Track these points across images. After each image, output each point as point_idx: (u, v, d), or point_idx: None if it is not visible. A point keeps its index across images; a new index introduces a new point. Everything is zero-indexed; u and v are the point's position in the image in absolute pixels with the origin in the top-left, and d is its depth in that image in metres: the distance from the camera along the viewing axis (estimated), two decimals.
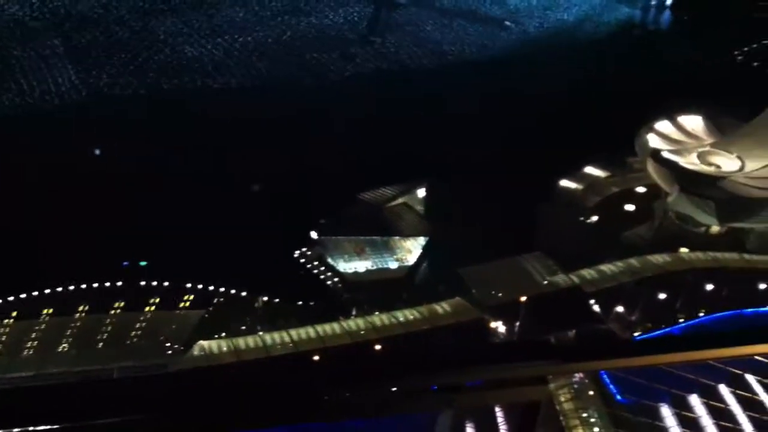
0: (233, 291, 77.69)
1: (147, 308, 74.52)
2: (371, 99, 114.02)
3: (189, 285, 76.76)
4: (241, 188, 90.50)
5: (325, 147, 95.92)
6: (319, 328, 71.01)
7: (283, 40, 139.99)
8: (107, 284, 74.79)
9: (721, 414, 34.03)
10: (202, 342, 68.89)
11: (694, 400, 39.28)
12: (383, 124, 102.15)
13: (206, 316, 75.13)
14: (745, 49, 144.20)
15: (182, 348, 69.89)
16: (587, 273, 79.03)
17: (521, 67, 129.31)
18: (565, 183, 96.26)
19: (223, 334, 71.93)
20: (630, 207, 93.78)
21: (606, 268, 79.82)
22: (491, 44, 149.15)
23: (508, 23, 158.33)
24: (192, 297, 76.39)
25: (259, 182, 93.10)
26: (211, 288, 77.13)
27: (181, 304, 75.99)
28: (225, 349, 67.52)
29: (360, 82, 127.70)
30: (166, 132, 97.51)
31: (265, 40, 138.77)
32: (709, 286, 79.58)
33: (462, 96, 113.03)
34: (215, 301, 76.86)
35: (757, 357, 5.56)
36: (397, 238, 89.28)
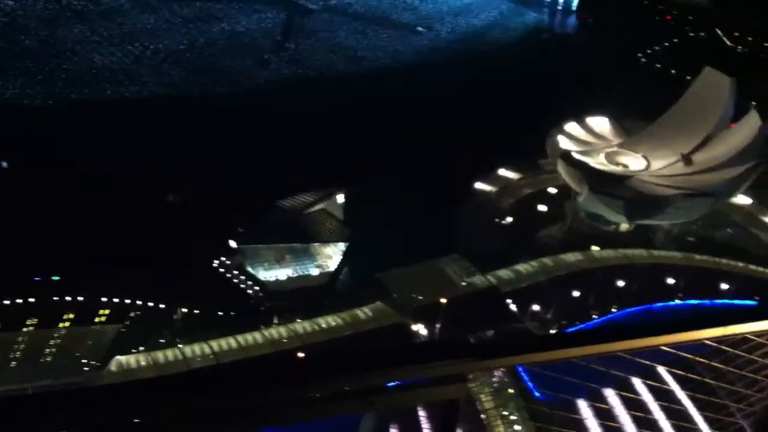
0: (150, 304, 75.96)
1: (61, 324, 72.16)
2: (286, 105, 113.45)
3: (104, 299, 74.76)
4: (156, 198, 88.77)
5: (241, 154, 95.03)
6: (241, 338, 70.25)
7: (195, 47, 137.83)
8: (18, 301, 72.14)
9: (634, 404, 35.42)
10: (119, 357, 67.19)
11: (609, 392, 40.66)
12: (299, 131, 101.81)
13: (123, 330, 73.24)
14: (648, 51, 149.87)
15: (99, 364, 67.95)
16: (503, 273, 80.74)
17: (434, 72, 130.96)
18: (479, 186, 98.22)
19: (141, 349, 70.31)
20: (542, 207, 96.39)
21: (521, 267, 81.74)
22: (404, 49, 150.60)
23: (420, 29, 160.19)
24: (108, 311, 74.39)
25: (173, 191, 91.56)
26: (128, 301, 75.29)
27: (97, 319, 73.87)
28: (144, 363, 66.05)
29: (274, 88, 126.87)
30: (75, 142, 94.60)
31: (177, 47, 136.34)
32: (620, 283, 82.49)
33: (376, 101, 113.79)
34: (132, 314, 75.03)
35: (665, 348, 6.04)
36: (317, 244, 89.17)
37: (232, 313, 77.55)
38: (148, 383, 4.39)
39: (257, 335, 71.01)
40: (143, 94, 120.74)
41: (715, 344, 6.46)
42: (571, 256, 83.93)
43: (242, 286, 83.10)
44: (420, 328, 74.28)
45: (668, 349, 6.11)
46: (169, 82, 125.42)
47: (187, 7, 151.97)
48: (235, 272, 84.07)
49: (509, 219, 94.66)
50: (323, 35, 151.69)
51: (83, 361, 69.25)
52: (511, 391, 62.36)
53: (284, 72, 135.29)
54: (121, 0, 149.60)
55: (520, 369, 55.66)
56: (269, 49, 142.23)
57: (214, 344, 69.34)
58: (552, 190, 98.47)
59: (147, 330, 74.04)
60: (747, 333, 6.31)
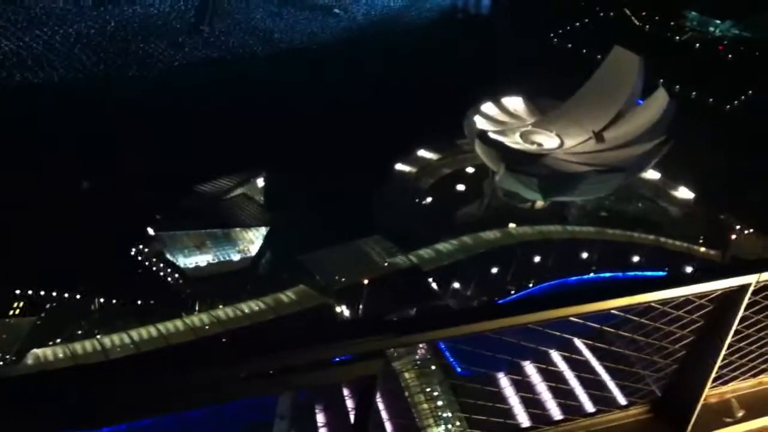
0: (67, 295, 73.85)
1: None
2: (201, 88, 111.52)
3: (18, 291, 72.30)
4: (70, 185, 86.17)
5: (157, 140, 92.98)
6: (161, 326, 69.03)
7: (107, 31, 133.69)
8: None
9: (552, 376, 36.56)
10: (35, 350, 65.12)
11: (528, 365, 41.69)
12: (215, 114, 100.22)
13: (39, 323, 71.00)
14: (560, 31, 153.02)
15: (14, 358, 65.75)
16: (424, 252, 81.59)
17: (351, 54, 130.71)
18: (399, 167, 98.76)
19: (59, 341, 68.33)
20: (461, 187, 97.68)
21: (441, 246, 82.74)
22: (321, 31, 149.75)
23: (336, 11, 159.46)
24: (22, 304, 72.00)
25: (88, 179, 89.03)
26: (43, 293, 73.00)
27: (11, 312, 71.42)
28: (61, 355, 64.21)
29: (189, 71, 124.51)
30: None
31: (88, 32, 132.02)
32: (537, 258, 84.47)
33: (294, 84, 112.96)
34: (48, 306, 72.80)
35: (576, 320, 6.25)
36: (237, 229, 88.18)
37: (151, 301, 76.08)
38: (64, 372, 4.33)
39: (178, 323, 69.89)
40: (54, 80, 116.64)
41: (623, 314, 6.72)
42: (490, 234, 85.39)
43: (161, 273, 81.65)
44: (343, 309, 74.53)
45: (581, 321, 6.31)
46: (80, 68, 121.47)
47: None
48: (154, 260, 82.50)
49: (429, 199, 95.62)
50: (238, 17, 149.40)
51: None
52: (433, 367, 63.33)
53: (199, 55, 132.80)
54: None
55: (442, 346, 56.64)
56: (184, 32, 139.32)
57: (134, 333, 67.95)
58: (470, 170, 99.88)
59: (64, 322, 71.95)
60: (652, 301, 6.57)
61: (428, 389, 61.64)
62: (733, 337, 7.32)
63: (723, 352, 7.37)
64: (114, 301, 75.03)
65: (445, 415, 60.24)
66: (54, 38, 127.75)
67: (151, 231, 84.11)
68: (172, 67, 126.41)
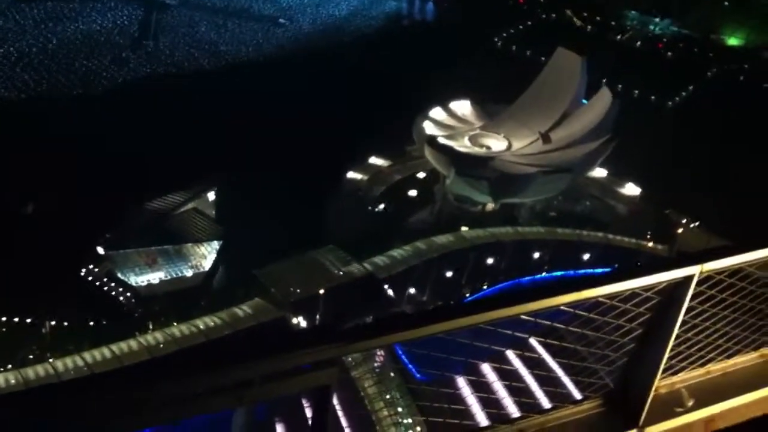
0: (16, 319, 72.04)
1: None
2: (148, 103, 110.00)
3: None
4: (14, 206, 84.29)
5: (103, 157, 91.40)
6: (115, 347, 67.72)
7: (48, 49, 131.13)
8: None
9: (509, 375, 36.92)
10: None
11: (486, 367, 42.05)
12: (162, 130, 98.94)
13: None
14: (504, 35, 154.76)
15: None
16: (379, 260, 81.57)
17: (297, 64, 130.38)
18: (350, 175, 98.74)
19: (9, 366, 66.59)
20: (412, 192, 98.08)
21: (395, 253, 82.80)
22: (266, 42, 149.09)
23: (282, 20, 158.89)
24: None
25: (33, 199, 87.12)
26: None
27: None
28: (13, 381, 62.53)
29: (134, 87, 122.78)
30: None
31: (30, 50, 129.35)
32: (490, 260, 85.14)
33: (241, 95, 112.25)
34: None
35: (527, 318, 6.32)
36: (189, 244, 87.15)
37: (104, 322, 74.64)
38: (14, 397, 4.26)
39: (132, 343, 68.57)
40: None
41: (572, 310, 6.81)
42: (443, 238, 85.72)
43: (113, 293, 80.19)
44: (300, 321, 74.11)
45: (532, 319, 6.38)
46: (22, 87, 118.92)
47: (37, 8, 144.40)
48: (105, 279, 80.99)
49: (381, 206, 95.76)
50: (183, 30, 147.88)
51: None
52: (392, 374, 63.34)
53: (144, 70, 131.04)
54: None
55: (400, 352, 56.65)
56: (127, 47, 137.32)
57: (87, 356, 66.48)
58: (421, 175, 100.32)
59: (14, 346, 70.17)
60: (600, 296, 6.68)
61: (387, 396, 61.63)
62: (680, 327, 7.48)
63: (671, 343, 7.52)
64: (65, 323, 73.42)
65: (405, 421, 60.28)
66: None
67: (100, 250, 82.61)
68: (117, 83, 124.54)
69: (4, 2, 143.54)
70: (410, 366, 60.02)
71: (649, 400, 7.84)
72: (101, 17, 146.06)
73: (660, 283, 6.93)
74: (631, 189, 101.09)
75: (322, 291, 74.65)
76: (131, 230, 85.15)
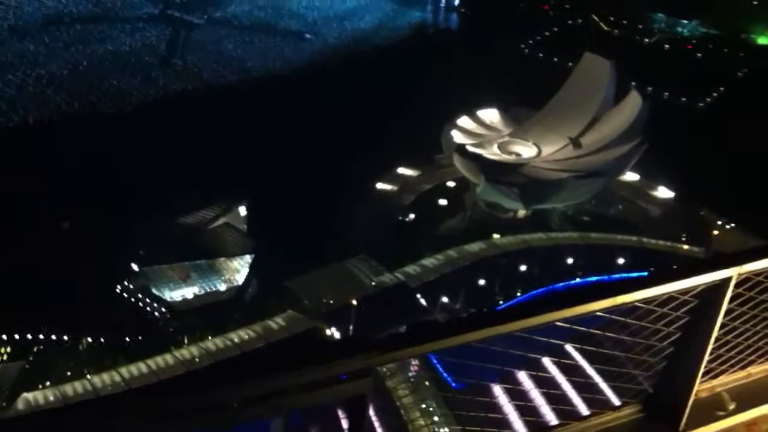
0: (54, 336, 73.08)
1: None
2: (178, 121, 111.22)
3: (4, 337, 71.44)
4: (50, 225, 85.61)
5: (135, 175, 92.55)
6: (151, 362, 68.50)
7: (79, 71, 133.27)
8: None
9: (545, 383, 36.61)
10: (26, 395, 64.34)
11: (522, 374, 41.72)
12: (192, 146, 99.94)
13: (27, 366, 70.20)
14: (530, 41, 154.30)
15: (5, 404, 64.88)
16: (411, 269, 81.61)
17: (325, 77, 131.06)
18: (380, 186, 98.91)
19: (48, 384, 67.57)
20: (442, 201, 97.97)
21: (427, 261, 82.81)
22: (293, 57, 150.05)
23: (307, 35, 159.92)
24: (8, 349, 71.17)
25: (68, 218, 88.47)
26: (29, 336, 72.19)
27: None
28: (52, 398, 63.52)
29: (165, 105, 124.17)
30: None
31: (61, 72, 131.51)
32: (522, 267, 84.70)
33: (270, 110, 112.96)
34: (35, 349, 71.99)
35: (562, 324, 6.29)
36: (222, 259, 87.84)
37: (139, 337, 75.42)
38: (55, 413, 4.32)
39: (168, 357, 69.38)
40: (28, 123, 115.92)
41: (609, 315, 6.77)
42: (474, 246, 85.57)
43: (148, 309, 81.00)
44: (333, 331, 74.26)
45: (567, 326, 6.35)
46: (54, 109, 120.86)
47: (67, 31, 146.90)
48: (140, 295, 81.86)
49: (412, 215, 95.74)
50: (210, 48, 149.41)
51: None
52: (427, 383, 63.18)
53: (173, 88, 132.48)
54: None
55: (435, 361, 56.48)
56: (156, 66, 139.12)
57: (124, 371, 67.38)
58: (450, 184, 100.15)
59: (52, 364, 71.18)
60: (636, 301, 6.63)
61: (423, 405, 61.47)
62: (719, 330, 7.40)
63: (710, 347, 7.44)
64: (102, 339, 74.34)
65: (442, 430, 60.04)
66: (26, 81, 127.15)
67: (134, 266, 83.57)
68: (147, 102, 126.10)
69: (35, 25, 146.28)
70: (445, 374, 59.80)
71: (690, 405, 7.75)
72: (129, 38, 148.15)
73: (697, 286, 6.86)
74: (664, 192, 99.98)
75: (354, 301, 74.76)
76: (164, 246, 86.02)
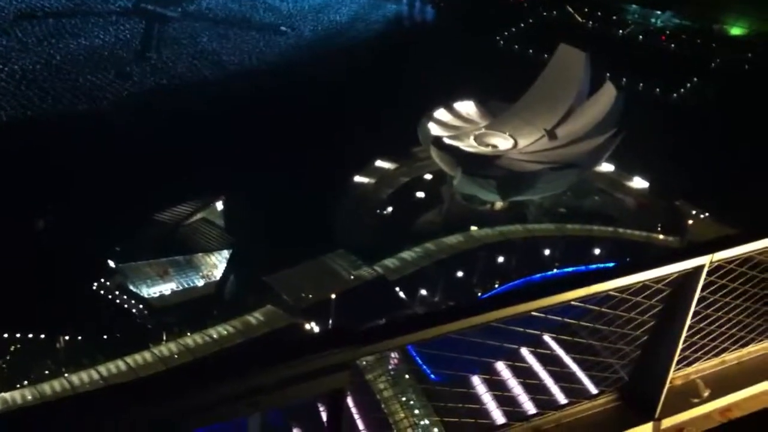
0: (30, 335, 72.28)
1: None
2: (153, 116, 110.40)
3: None
4: (25, 223, 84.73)
5: (111, 171, 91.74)
6: (129, 359, 68.01)
7: (52, 65, 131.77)
8: None
9: (523, 372, 36.76)
10: (3, 394, 63.65)
11: (500, 365, 41.90)
12: (168, 141, 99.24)
13: (4, 365, 69.49)
14: (506, 33, 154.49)
15: None
16: (389, 262, 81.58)
17: (301, 70, 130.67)
18: (357, 179, 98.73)
19: (26, 382, 66.90)
20: (420, 194, 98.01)
21: (406, 255, 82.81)
22: (269, 50, 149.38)
23: (283, 28, 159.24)
24: None
25: (43, 215, 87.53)
26: (5, 335, 71.36)
27: None
28: (30, 397, 62.89)
29: (139, 99, 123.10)
30: None
31: (34, 67, 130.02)
32: (500, 259, 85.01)
33: (247, 103, 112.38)
34: (11, 348, 71.22)
35: (538, 314, 6.32)
36: (199, 254, 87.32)
37: (117, 335, 74.82)
38: (33, 412, 4.29)
39: (146, 354, 68.91)
40: (1, 119, 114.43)
41: (584, 305, 6.81)
42: (452, 239, 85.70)
43: (126, 306, 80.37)
44: (312, 326, 74.13)
45: (544, 316, 6.39)
46: (27, 104, 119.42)
47: (39, 25, 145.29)
48: (117, 292, 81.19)
49: (389, 208, 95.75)
50: (185, 42, 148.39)
51: None
52: (406, 376, 63.30)
53: (148, 82, 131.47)
54: None
55: (414, 353, 56.61)
56: (130, 60, 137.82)
57: (102, 369, 66.84)
58: (427, 176, 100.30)
59: (30, 362, 70.48)
60: (610, 290, 6.68)
61: (403, 398, 61.57)
62: (693, 318, 7.47)
63: (684, 334, 7.51)
64: (79, 337, 73.67)
65: (422, 422, 60.18)
66: None
67: (111, 263, 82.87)
68: (122, 96, 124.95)
69: (7, 20, 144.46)
70: (425, 367, 59.97)
71: (665, 392, 7.83)
72: (103, 32, 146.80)
73: (670, 274, 6.92)
74: (639, 182, 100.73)
75: (333, 296, 74.67)
76: (141, 242, 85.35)
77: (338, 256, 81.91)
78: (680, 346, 7.60)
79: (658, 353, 7.72)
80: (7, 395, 63.59)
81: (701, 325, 7.88)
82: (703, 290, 7.30)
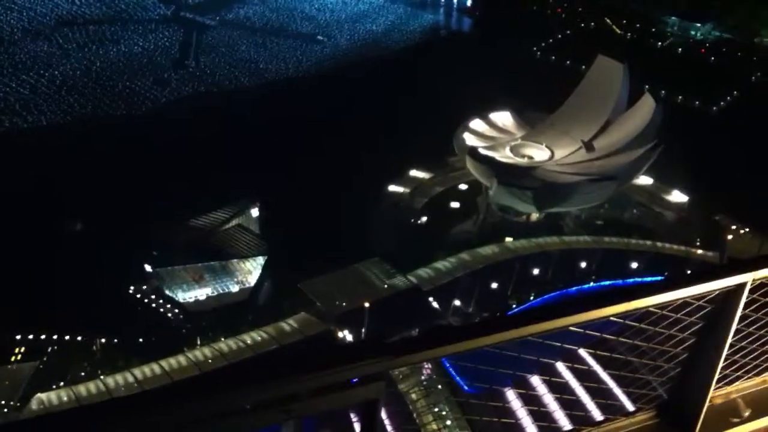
0: (67, 337, 73.39)
1: None
2: (190, 123, 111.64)
3: (18, 337, 71.85)
4: (63, 227, 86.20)
5: (148, 177, 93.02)
6: (164, 363, 68.69)
7: (92, 72, 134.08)
8: None
9: (559, 387, 36.32)
10: (39, 395, 64.70)
11: (535, 379, 41.45)
12: (205, 148, 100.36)
13: (41, 367, 70.57)
14: (543, 44, 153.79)
15: (18, 404, 65.27)
16: (423, 272, 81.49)
17: (337, 79, 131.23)
18: (393, 189, 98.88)
19: (62, 384, 67.91)
20: (455, 204, 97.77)
21: (440, 264, 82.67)
22: (305, 59, 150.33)
23: (320, 37, 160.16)
24: (23, 349, 71.54)
25: (82, 220, 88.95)
26: (43, 337, 72.55)
27: (12, 358, 70.97)
28: (65, 398, 63.79)
29: (177, 106, 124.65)
30: None
31: (74, 73, 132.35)
32: (535, 271, 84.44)
33: (281, 112, 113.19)
34: (49, 350, 72.36)
35: (576, 329, 6.24)
36: (235, 260, 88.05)
37: (153, 338, 75.66)
38: (68, 414, 4.32)
39: (181, 359, 69.55)
40: (42, 123, 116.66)
41: (623, 320, 6.71)
42: (487, 249, 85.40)
43: (161, 310, 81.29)
44: (345, 334, 74.27)
45: (581, 330, 6.30)
46: (68, 109, 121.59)
47: (80, 32, 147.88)
48: (153, 296, 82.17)
49: (424, 218, 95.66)
50: (222, 50, 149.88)
51: (1, 402, 66.31)
52: (439, 387, 63.07)
53: (185, 90, 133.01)
54: (10, 29, 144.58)
55: (448, 365, 56.43)
56: (169, 68, 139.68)
57: (137, 372, 67.61)
58: (463, 187, 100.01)
59: (66, 364, 71.54)
60: (651, 306, 6.57)
61: (436, 409, 61.32)
62: (734, 336, 7.32)
63: (725, 353, 7.36)
64: (115, 340, 74.62)
65: None
66: (40, 82, 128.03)
67: (148, 267, 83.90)
68: (160, 103, 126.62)
69: (48, 27, 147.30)
70: (458, 378, 59.73)
71: (704, 411, 7.68)
72: (143, 39, 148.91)
73: (712, 291, 6.80)
74: (678, 196, 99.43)
75: (367, 304, 74.73)
76: (178, 247, 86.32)
77: (373, 264, 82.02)
78: (721, 364, 7.46)
79: (697, 371, 7.59)
80: (43, 396, 64.61)
81: (743, 344, 7.73)
82: (745, 308, 7.16)
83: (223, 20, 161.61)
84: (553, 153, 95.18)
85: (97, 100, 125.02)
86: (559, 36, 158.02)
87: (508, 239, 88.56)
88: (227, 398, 4.55)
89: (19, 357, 71.65)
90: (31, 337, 72.54)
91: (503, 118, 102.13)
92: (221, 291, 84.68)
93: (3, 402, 66.35)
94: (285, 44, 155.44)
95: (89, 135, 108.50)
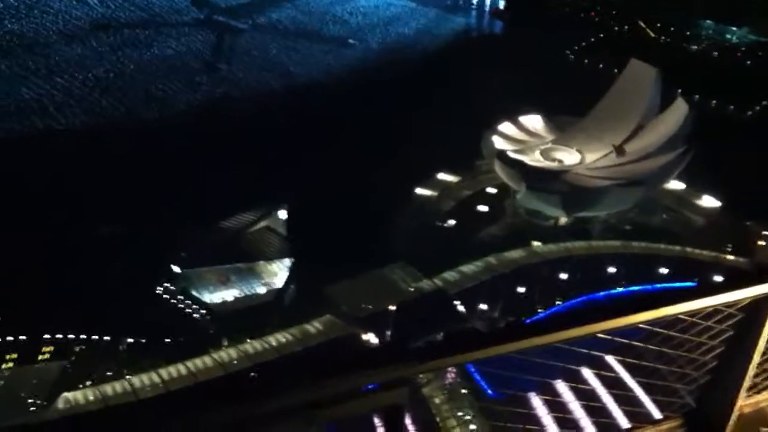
0: (95, 337, 74.19)
1: (4, 365, 70.09)
2: (221, 125, 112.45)
3: (46, 336, 72.75)
4: (92, 228, 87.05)
5: (178, 178, 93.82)
6: (190, 363, 69.09)
7: (125, 74, 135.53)
8: None
9: (583, 394, 36.11)
10: (66, 394, 65.39)
11: (560, 385, 41.25)
12: (234, 150, 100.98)
13: (68, 366, 71.38)
14: (575, 47, 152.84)
15: (45, 403, 66.04)
16: (449, 275, 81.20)
17: (368, 83, 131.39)
18: (419, 191, 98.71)
19: (89, 383, 68.61)
20: (483, 207, 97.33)
21: (466, 268, 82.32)
22: (337, 62, 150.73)
23: (351, 41, 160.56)
24: (51, 348, 72.43)
25: (110, 220, 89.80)
26: (71, 336, 73.39)
27: (40, 357, 71.90)
28: (92, 397, 64.41)
29: (209, 109, 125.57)
30: (6, 178, 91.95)
31: (107, 76, 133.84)
32: (563, 275, 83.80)
33: (311, 115, 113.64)
34: (76, 349, 73.19)
35: (603, 336, 6.18)
36: (261, 262, 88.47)
37: (179, 339, 76.21)
38: (96, 415, 4.35)
39: (207, 359, 69.91)
40: (75, 125, 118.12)
41: (651, 327, 6.64)
42: (514, 253, 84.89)
43: (188, 310, 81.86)
44: (370, 338, 74.20)
45: (608, 337, 6.25)
46: (100, 111, 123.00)
47: (114, 34, 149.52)
48: (180, 297, 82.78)
49: (451, 221, 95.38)
50: (254, 54, 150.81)
51: (28, 401, 67.19)
52: (464, 391, 62.79)
53: (217, 93, 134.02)
54: (46, 32, 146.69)
55: (472, 369, 56.19)
56: (200, 71, 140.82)
57: (163, 372, 68.05)
58: (491, 190, 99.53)
59: (93, 364, 72.29)
60: (679, 313, 6.50)
61: (460, 413, 61.08)
62: (764, 345, 7.21)
63: (756, 361, 7.26)
64: (142, 340, 75.28)
65: None
66: (74, 84, 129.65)
67: (175, 268, 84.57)
68: (192, 106, 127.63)
69: (83, 30, 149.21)
70: (482, 383, 59.43)
71: (733, 420, 7.57)
72: (176, 43, 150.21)
73: (743, 299, 6.70)
74: (709, 201, 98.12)
75: (392, 307, 74.63)
76: (205, 249, 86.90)
77: (399, 267, 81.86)
78: (751, 373, 7.35)
79: (726, 380, 7.48)
80: (69, 395, 65.28)
81: None
82: None
83: (255, 24, 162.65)
84: (583, 157, 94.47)
85: (130, 102, 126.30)
86: (592, 39, 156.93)
87: (536, 243, 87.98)
88: (251, 406, 4.55)
89: (46, 356, 72.52)
90: (59, 336, 73.39)
91: (534, 121, 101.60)
92: (247, 293, 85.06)
93: (30, 401, 67.22)
94: (316, 48, 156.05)
95: (121, 137, 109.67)
